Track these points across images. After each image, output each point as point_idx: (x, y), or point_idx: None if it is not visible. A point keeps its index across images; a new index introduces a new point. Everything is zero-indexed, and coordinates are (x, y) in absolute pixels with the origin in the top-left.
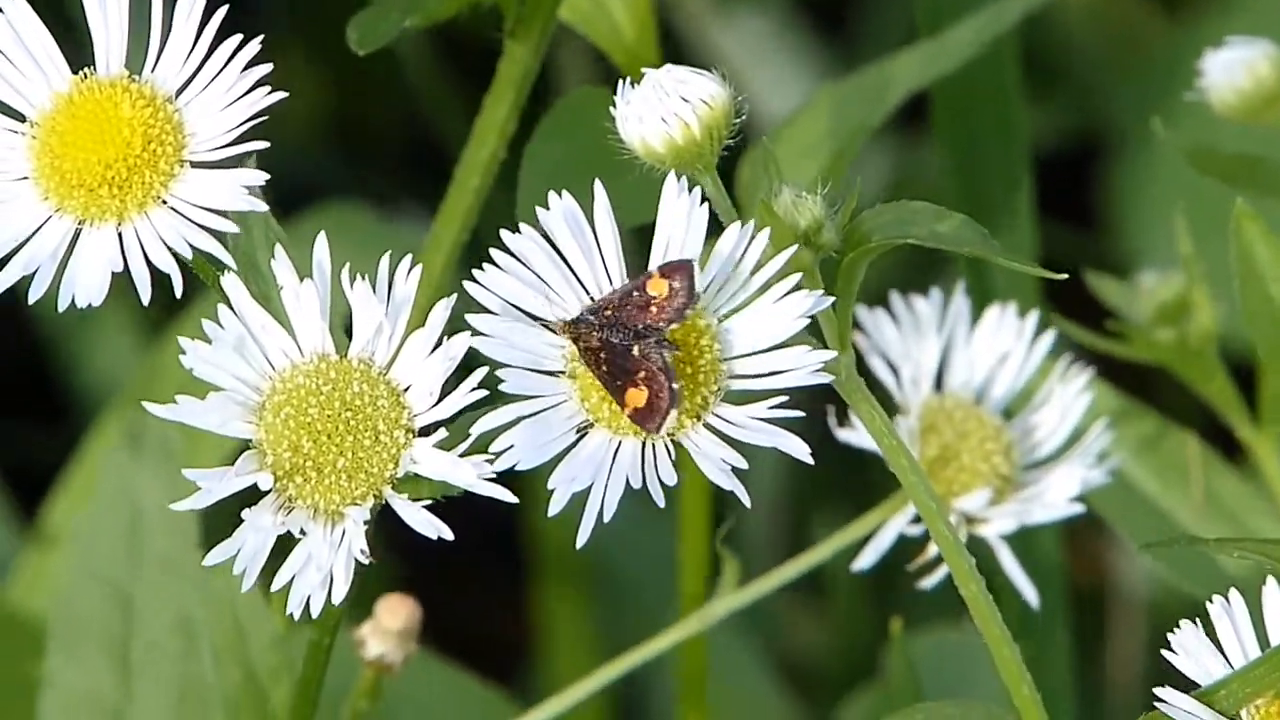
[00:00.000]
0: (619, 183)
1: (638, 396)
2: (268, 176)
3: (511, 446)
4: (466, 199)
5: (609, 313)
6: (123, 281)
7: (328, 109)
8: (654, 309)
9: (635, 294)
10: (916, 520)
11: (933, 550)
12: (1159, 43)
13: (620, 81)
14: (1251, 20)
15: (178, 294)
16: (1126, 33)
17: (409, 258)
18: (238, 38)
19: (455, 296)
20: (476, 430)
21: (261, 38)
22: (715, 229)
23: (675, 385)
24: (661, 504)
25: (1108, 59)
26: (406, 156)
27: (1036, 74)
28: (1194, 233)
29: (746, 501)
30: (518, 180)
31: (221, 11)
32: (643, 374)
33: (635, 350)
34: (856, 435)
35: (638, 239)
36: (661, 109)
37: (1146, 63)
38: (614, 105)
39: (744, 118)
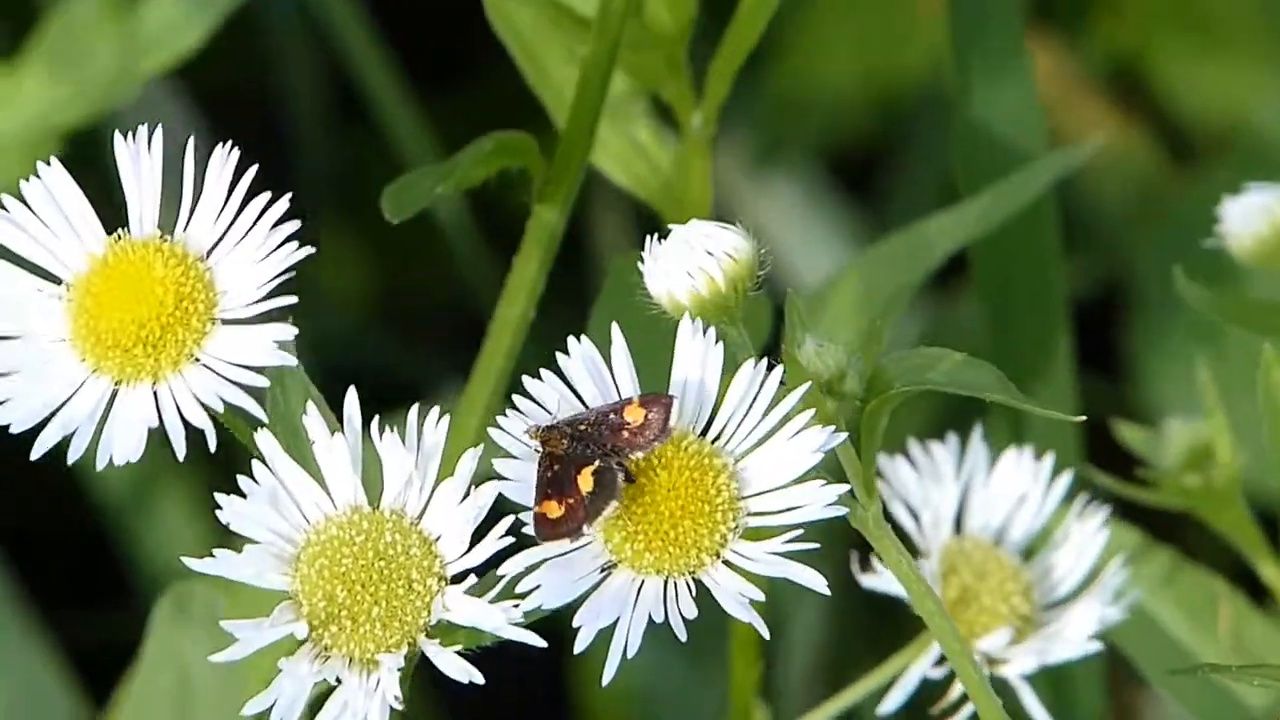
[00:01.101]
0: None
1: (552, 508)
2: (296, 331)
3: (539, 587)
4: (499, 359)
5: (583, 428)
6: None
7: (368, 281)
8: (626, 434)
9: (612, 416)
10: (940, 662)
11: (956, 691)
12: (1176, 193)
13: (647, 239)
14: (1265, 169)
15: (211, 448)
16: (1144, 185)
17: (437, 409)
18: (267, 195)
19: (482, 447)
20: (504, 571)
21: (292, 197)
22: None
23: (605, 507)
24: (683, 638)
25: (1128, 211)
26: (449, 323)
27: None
28: (1217, 381)
29: (765, 633)
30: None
31: (252, 171)
32: (572, 497)
33: (590, 467)
34: (880, 580)
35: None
36: (687, 263)
37: (1166, 213)
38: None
39: (768, 269)
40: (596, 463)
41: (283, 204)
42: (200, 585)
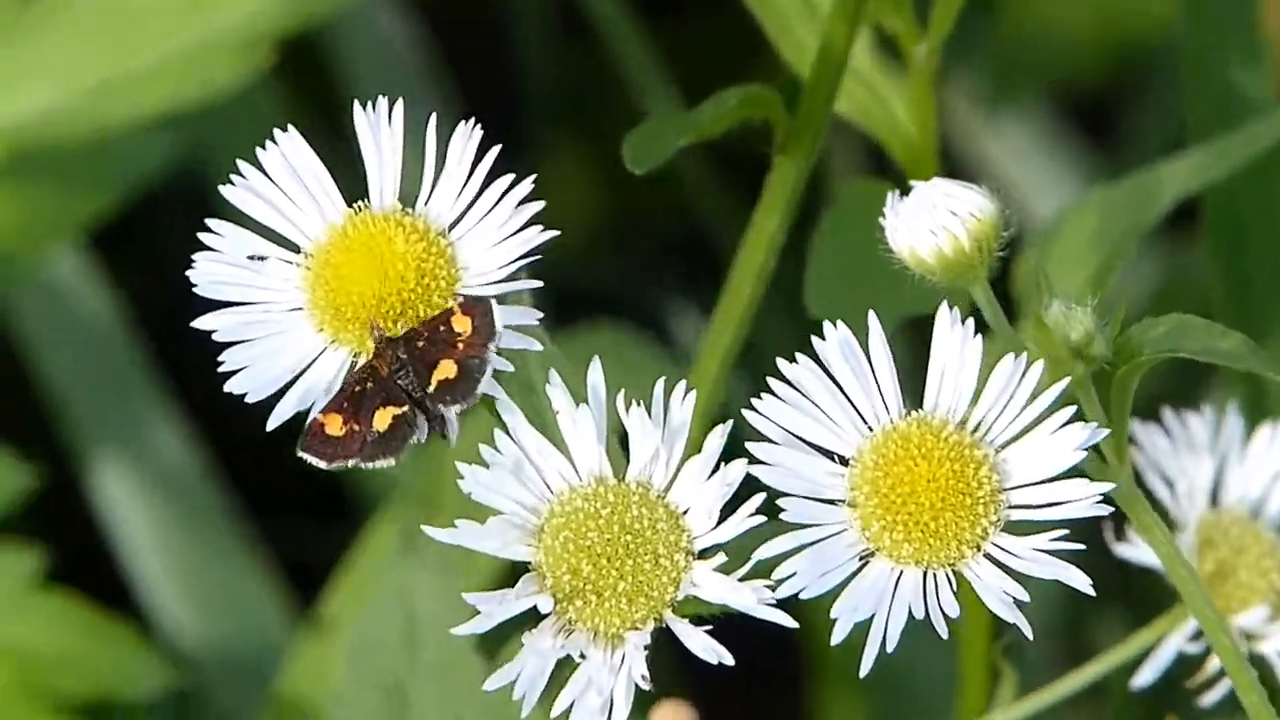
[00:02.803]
0: (902, 280)
1: (335, 424)
2: (541, 315)
3: (793, 574)
4: (740, 306)
5: (419, 345)
6: None
7: (595, 203)
8: (460, 345)
9: (442, 329)
10: (1195, 637)
11: (1212, 665)
12: None
13: (888, 195)
14: None
15: (453, 443)
16: None
17: (683, 383)
18: (510, 176)
19: (730, 423)
20: (757, 557)
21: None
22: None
23: (381, 457)
24: (945, 635)
25: None
26: (679, 256)
27: None
28: None
29: (1028, 633)
30: (792, 284)
31: (496, 150)
32: (360, 425)
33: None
34: (1133, 550)
35: (912, 355)
36: (930, 222)
37: None
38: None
39: (1013, 229)
40: (404, 408)
41: (527, 184)
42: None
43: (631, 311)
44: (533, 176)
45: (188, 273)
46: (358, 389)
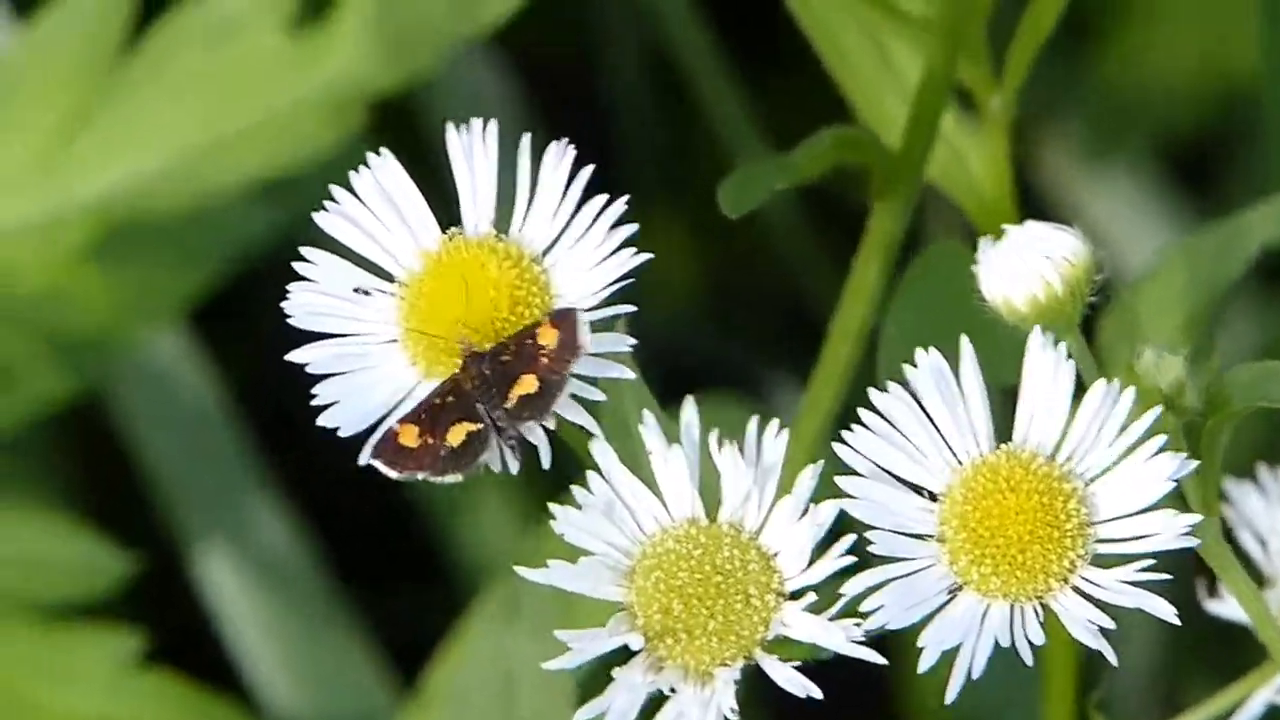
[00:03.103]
0: (980, 342)
1: (410, 435)
2: (635, 342)
3: (881, 607)
4: (838, 365)
5: (504, 360)
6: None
7: (690, 263)
8: (545, 360)
9: (528, 342)
10: None
11: None
12: None
13: (980, 240)
14: None
15: (545, 465)
16: None
17: (775, 422)
18: (604, 197)
19: (822, 463)
20: (846, 591)
21: (629, 198)
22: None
23: (452, 473)
24: (1030, 662)
25: None
26: (778, 321)
27: None
28: None
29: (1113, 660)
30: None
31: (587, 171)
32: (435, 439)
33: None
34: (1225, 606)
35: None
36: (1023, 266)
37: None
38: (974, 261)
39: (1106, 274)
40: (479, 426)
41: (620, 205)
42: (528, 587)
43: (730, 379)
44: (626, 197)
45: (283, 304)
46: (437, 402)
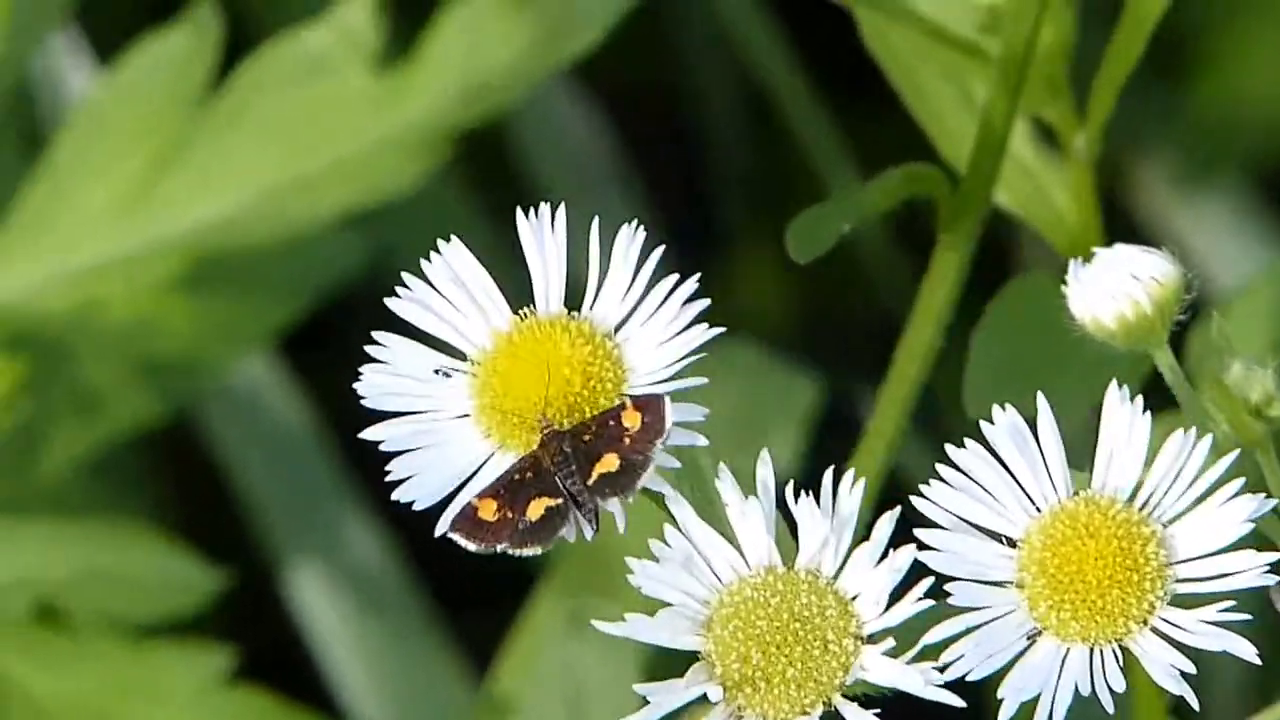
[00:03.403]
0: (1060, 375)
1: (489, 510)
2: (707, 411)
3: (961, 657)
4: (905, 386)
5: (586, 439)
6: None
7: (787, 303)
8: (628, 440)
9: (611, 424)
10: None
11: None
12: None
13: (1070, 262)
14: None
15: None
16: None
17: (851, 473)
18: (675, 276)
19: (898, 510)
20: (926, 641)
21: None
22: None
23: (529, 547)
24: (1111, 710)
25: None
26: (869, 346)
27: None
28: None
29: (1195, 704)
30: (961, 366)
31: (659, 250)
32: (514, 513)
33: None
34: None
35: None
36: (1112, 286)
37: None
38: (1058, 292)
39: (1194, 294)
40: (559, 501)
41: (691, 283)
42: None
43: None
44: (697, 275)
45: (356, 385)
46: (516, 477)
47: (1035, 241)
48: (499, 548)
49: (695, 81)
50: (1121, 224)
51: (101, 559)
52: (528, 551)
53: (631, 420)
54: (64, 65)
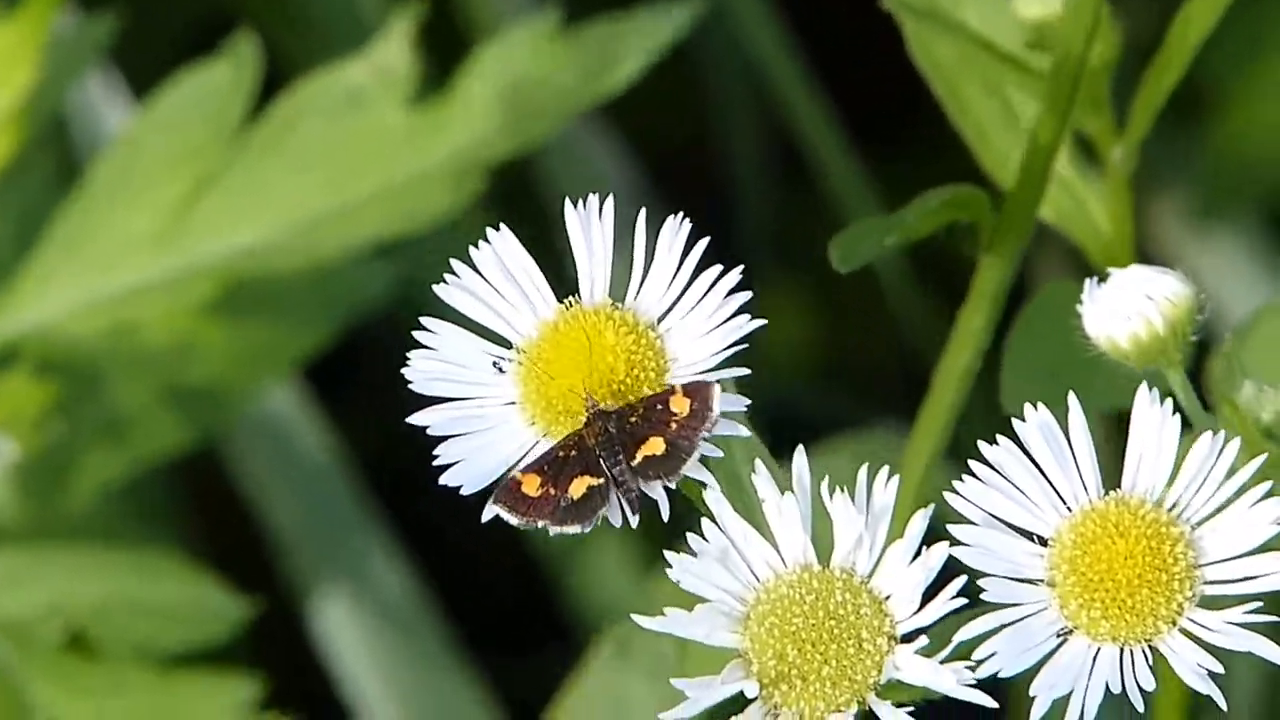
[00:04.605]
0: (1093, 376)
1: (533, 485)
2: (749, 402)
3: (993, 654)
4: (942, 412)
5: (632, 420)
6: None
7: (809, 334)
8: (674, 425)
9: (659, 407)
10: None
11: None
12: None
13: (1085, 282)
14: None
15: (665, 518)
16: None
17: (886, 469)
18: (719, 267)
19: (933, 507)
20: (958, 638)
21: (743, 267)
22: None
23: (571, 525)
24: (1141, 709)
25: None
26: (892, 380)
27: None
28: None
29: (1223, 705)
30: (995, 384)
31: (704, 242)
32: (557, 490)
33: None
34: None
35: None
36: (1126, 306)
37: None
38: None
39: (1207, 314)
40: (600, 480)
41: (735, 275)
42: (644, 633)
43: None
44: (740, 266)
45: (404, 371)
46: (561, 454)
47: (1037, 246)
48: (540, 523)
49: (726, 129)
50: (1136, 258)
51: (130, 587)
52: (568, 529)
53: (679, 405)
54: (99, 102)
